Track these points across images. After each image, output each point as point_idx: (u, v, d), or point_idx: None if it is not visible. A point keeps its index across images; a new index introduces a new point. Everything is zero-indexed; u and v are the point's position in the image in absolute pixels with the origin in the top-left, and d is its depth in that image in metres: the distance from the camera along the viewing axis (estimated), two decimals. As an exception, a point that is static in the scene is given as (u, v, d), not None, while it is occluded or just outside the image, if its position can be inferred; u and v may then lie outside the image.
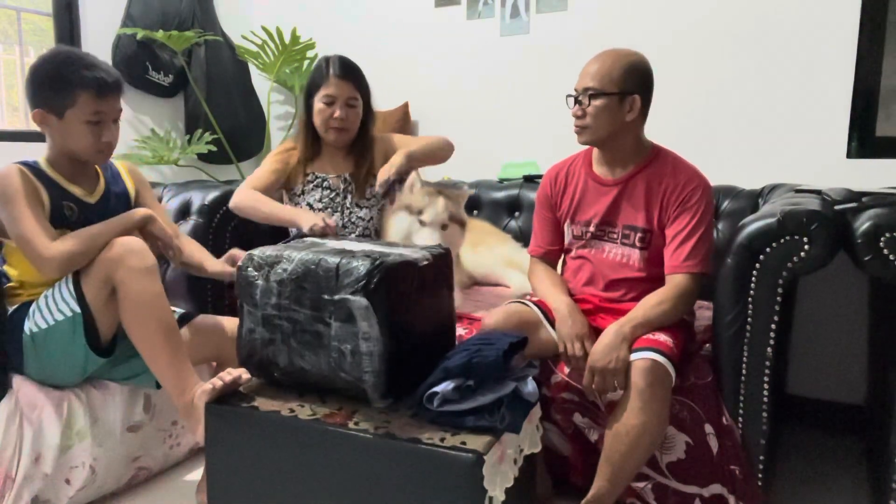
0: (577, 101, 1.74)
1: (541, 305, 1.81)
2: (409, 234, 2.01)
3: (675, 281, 1.68)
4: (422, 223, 1.99)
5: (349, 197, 2.20)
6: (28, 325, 1.68)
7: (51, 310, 1.67)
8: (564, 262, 1.97)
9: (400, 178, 2.04)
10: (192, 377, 1.64)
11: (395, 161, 2.06)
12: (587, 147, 1.86)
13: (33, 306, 1.70)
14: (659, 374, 1.54)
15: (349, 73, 2.13)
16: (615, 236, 1.80)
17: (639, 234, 1.76)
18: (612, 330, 1.61)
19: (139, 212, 1.78)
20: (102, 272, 1.63)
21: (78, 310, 1.64)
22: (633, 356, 1.57)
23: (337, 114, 2.10)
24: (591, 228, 1.83)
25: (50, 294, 1.69)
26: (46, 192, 1.71)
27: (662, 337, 1.61)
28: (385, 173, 2.05)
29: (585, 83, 1.72)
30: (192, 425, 1.62)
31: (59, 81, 1.67)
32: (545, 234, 1.93)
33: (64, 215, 1.72)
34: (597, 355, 1.59)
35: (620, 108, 1.70)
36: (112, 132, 1.75)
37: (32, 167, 1.74)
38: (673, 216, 1.72)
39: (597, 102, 1.69)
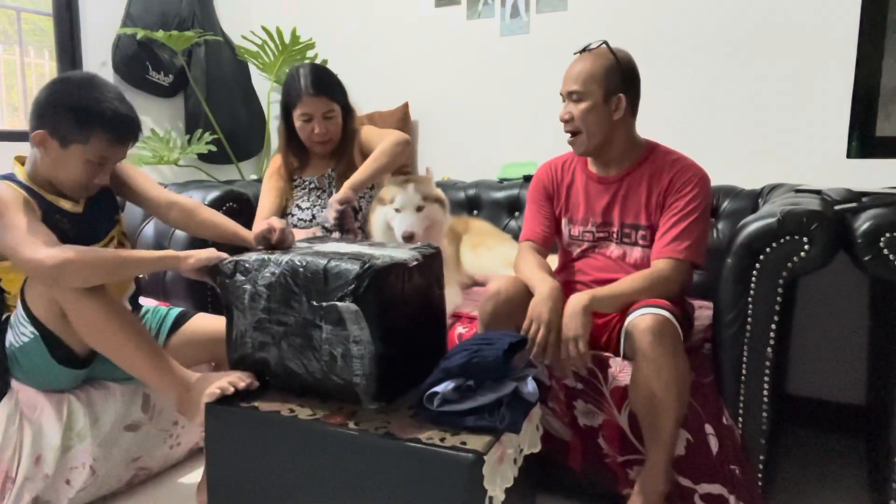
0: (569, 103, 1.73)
1: None
2: (387, 223, 2.06)
3: (656, 265, 1.66)
4: (396, 210, 2.05)
5: (333, 192, 2.22)
6: (8, 339, 1.65)
7: (17, 330, 1.62)
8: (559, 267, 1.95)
9: (347, 208, 2.01)
10: (174, 370, 1.60)
11: (339, 196, 2.00)
12: None
13: (11, 320, 1.66)
14: (665, 328, 1.49)
15: (321, 88, 2.16)
16: (614, 235, 1.79)
17: (640, 232, 1.75)
18: (572, 300, 1.58)
19: (169, 257, 1.62)
20: (45, 292, 1.53)
21: (36, 332, 1.59)
22: (631, 316, 1.55)
23: (317, 130, 2.17)
24: (591, 228, 1.82)
25: (16, 313, 1.63)
26: (38, 206, 1.60)
27: (661, 301, 1.58)
28: (331, 208, 2.00)
29: (569, 87, 1.72)
30: (190, 415, 1.58)
31: (79, 115, 1.56)
32: (539, 223, 1.89)
33: (60, 228, 1.61)
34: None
35: (606, 108, 1.70)
36: (106, 176, 1.68)
37: (15, 181, 1.64)
38: (667, 205, 1.71)
39: (582, 105, 1.70)
